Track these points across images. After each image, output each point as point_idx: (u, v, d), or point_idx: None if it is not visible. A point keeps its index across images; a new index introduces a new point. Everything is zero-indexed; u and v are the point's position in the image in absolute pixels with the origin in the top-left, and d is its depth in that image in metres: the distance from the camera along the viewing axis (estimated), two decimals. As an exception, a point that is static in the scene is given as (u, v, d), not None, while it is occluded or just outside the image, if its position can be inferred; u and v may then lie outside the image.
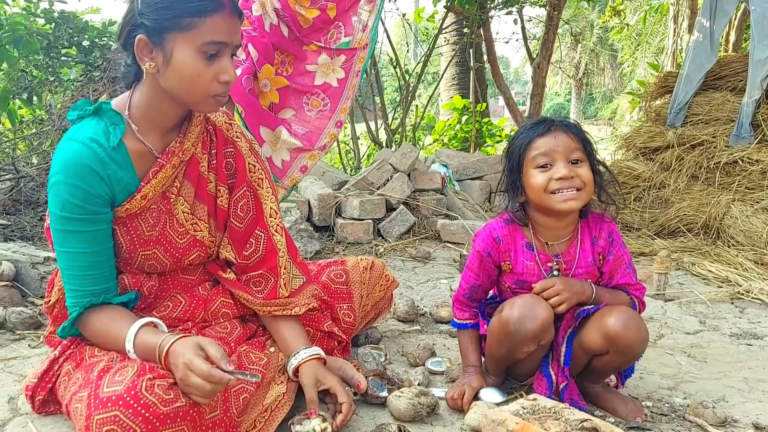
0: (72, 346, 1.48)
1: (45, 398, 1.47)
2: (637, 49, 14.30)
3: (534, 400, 1.51)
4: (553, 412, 1.45)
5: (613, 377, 1.75)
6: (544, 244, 1.68)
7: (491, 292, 1.85)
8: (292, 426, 1.43)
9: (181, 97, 1.40)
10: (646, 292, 1.74)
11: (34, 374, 1.47)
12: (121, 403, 1.15)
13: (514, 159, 1.65)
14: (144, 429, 1.15)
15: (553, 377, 1.65)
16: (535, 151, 1.59)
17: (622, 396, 1.71)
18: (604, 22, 12.46)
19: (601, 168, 1.65)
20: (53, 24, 4.65)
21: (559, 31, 7.23)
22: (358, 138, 6.82)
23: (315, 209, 3.96)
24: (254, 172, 1.65)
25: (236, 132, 1.65)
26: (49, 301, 1.55)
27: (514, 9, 6.62)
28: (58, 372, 1.45)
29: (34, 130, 4.77)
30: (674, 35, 8.07)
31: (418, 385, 1.74)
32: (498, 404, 1.65)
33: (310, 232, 3.70)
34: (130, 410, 1.15)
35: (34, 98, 5.01)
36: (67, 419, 1.45)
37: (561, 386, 1.62)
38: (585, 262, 1.66)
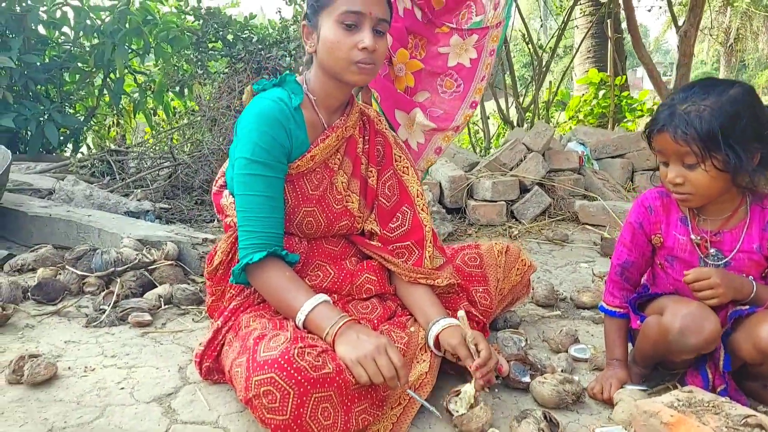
0: (232, 318, 1.61)
1: (210, 366, 1.61)
2: (800, 8, 12.76)
3: (690, 392, 1.41)
4: (712, 406, 1.35)
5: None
6: (696, 216, 1.57)
7: (643, 280, 1.75)
8: (447, 404, 1.45)
9: (329, 69, 1.58)
10: None
11: (201, 343, 1.63)
12: (276, 366, 1.25)
13: None
14: (297, 391, 1.24)
15: (710, 377, 1.53)
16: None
17: (790, 392, 1.56)
18: (760, -20, 11.23)
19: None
20: (201, 20, 5.00)
21: (709, -7, 6.62)
22: (488, 118, 6.70)
23: (446, 191, 3.97)
24: (400, 161, 1.83)
25: (384, 125, 1.85)
26: (212, 265, 1.72)
27: (657, -27, 6.17)
28: (222, 341, 1.59)
29: (186, 121, 5.17)
30: None
31: (562, 371, 1.70)
32: (645, 391, 1.58)
33: (442, 214, 3.71)
34: (284, 373, 1.24)
35: (185, 91, 5.44)
36: (230, 388, 1.58)
37: (719, 389, 1.51)
38: (749, 246, 1.52)
